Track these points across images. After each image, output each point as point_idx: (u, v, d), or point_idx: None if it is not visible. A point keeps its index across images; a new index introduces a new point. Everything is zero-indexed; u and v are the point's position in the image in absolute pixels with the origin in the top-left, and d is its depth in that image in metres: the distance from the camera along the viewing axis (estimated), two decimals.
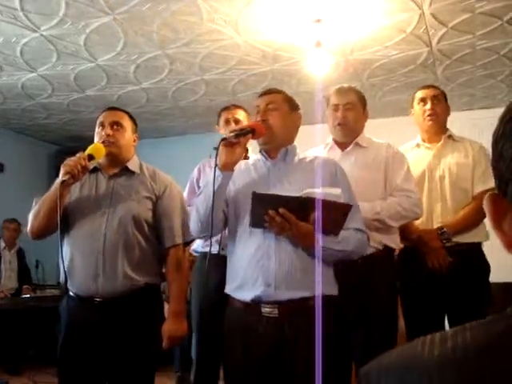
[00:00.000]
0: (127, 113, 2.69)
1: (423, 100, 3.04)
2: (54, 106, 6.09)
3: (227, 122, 3.31)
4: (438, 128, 3.03)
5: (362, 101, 2.91)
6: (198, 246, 3.30)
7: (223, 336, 2.27)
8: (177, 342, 2.55)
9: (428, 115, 3.01)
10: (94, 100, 5.86)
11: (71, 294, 2.50)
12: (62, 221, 2.40)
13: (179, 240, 2.57)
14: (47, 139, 7.45)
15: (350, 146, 2.82)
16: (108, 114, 2.63)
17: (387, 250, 2.71)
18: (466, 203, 2.86)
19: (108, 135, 2.53)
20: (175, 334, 2.50)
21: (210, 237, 2.18)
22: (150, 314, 2.51)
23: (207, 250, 3.19)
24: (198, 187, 3.39)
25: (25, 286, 6.17)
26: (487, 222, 2.85)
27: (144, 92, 5.67)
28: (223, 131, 3.33)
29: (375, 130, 6.89)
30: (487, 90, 5.62)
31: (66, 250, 2.50)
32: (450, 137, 3.02)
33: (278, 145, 2.26)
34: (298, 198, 2.03)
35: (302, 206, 2.02)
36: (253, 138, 2.21)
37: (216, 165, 2.12)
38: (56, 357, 2.52)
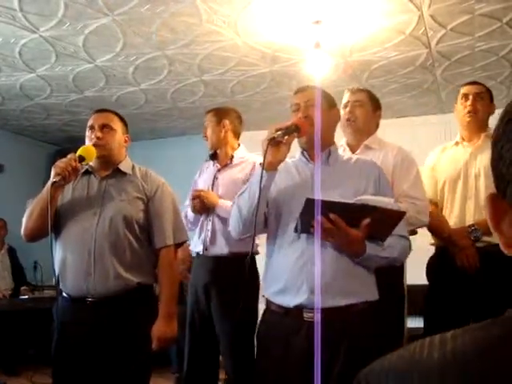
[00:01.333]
0: (117, 114, 2.70)
1: (465, 96, 2.98)
2: (52, 106, 6.08)
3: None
4: (477, 126, 2.96)
5: (374, 101, 2.90)
6: (192, 245, 3.35)
7: (257, 338, 2.23)
8: (167, 343, 2.54)
9: (467, 112, 2.95)
10: (92, 101, 5.86)
11: (64, 294, 2.52)
12: (55, 222, 2.44)
13: (170, 241, 2.58)
14: (46, 140, 7.44)
15: (360, 149, 2.81)
16: (97, 116, 2.63)
17: None
18: None
19: (98, 138, 2.54)
20: (165, 336, 2.50)
21: (253, 238, 2.11)
22: (143, 314, 2.51)
23: (197, 249, 3.26)
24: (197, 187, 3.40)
25: (23, 288, 6.16)
26: None
27: (143, 93, 5.66)
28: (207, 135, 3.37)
29: None
30: None
31: (58, 251, 2.52)
32: (490, 136, 2.95)
33: (320, 145, 2.17)
34: (351, 204, 1.98)
35: (354, 213, 1.96)
36: (298, 136, 2.12)
37: (262, 164, 2.04)
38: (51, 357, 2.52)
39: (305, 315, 2.02)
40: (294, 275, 2.05)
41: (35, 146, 7.43)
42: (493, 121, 3.04)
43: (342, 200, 2.00)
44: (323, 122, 2.15)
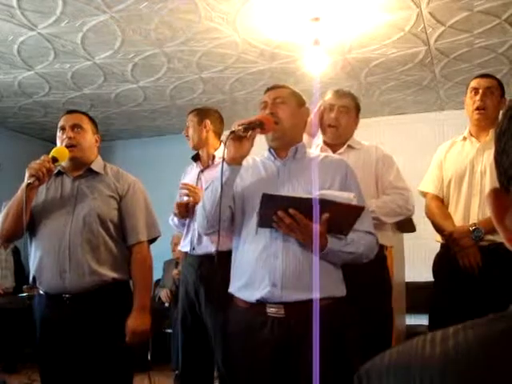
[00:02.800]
0: (86, 114, 2.74)
1: (475, 90, 2.87)
2: (51, 104, 6.07)
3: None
4: (486, 122, 2.85)
5: (357, 106, 2.91)
6: (180, 245, 3.39)
7: (226, 337, 2.24)
8: (140, 336, 2.57)
9: (476, 108, 2.85)
10: (91, 98, 5.85)
11: (41, 292, 2.58)
12: (30, 223, 2.49)
13: (143, 237, 2.64)
14: (44, 138, 7.43)
15: (343, 148, 2.84)
16: (68, 117, 2.67)
17: (379, 247, 2.71)
18: None
19: (70, 138, 2.58)
20: (137, 329, 2.54)
21: (218, 233, 2.11)
22: (119, 309, 2.56)
23: (185, 249, 3.27)
24: None
25: (25, 287, 6.16)
26: None
27: (141, 90, 5.65)
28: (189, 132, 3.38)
29: (372, 129, 6.91)
30: None
31: (34, 250, 2.58)
32: None
33: (287, 141, 2.20)
34: (308, 199, 1.98)
35: (313, 208, 1.97)
36: (261, 132, 2.13)
37: (223, 159, 2.07)
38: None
39: (268, 310, 2.04)
40: (257, 269, 2.07)
41: (33, 143, 7.41)
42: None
43: (300, 195, 2.02)
44: (291, 120, 2.19)
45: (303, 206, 1.97)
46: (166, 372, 5.04)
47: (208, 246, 3.12)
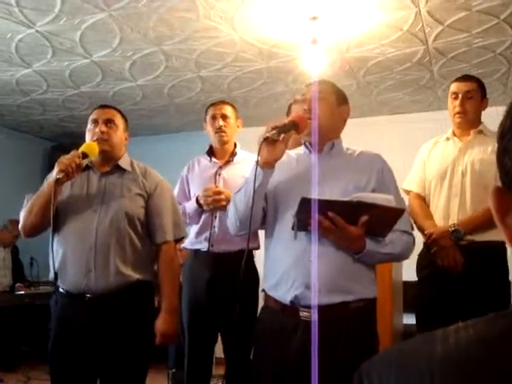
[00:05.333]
0: (119, 111, 2.72)
1: (455, 94, 2.93)
2: (49, 102, 6.06)
3: (214, 117, 3.31)
4: (467, 125, 2.92)
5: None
6: (188, 242, 3.31)
7: (255, 336, 2.21)
8: (170, 339, 2.56)
9: (456, 112, 2.91)
10: (89, 96, 5.84)
11: (61, 290, 2.51)
12: (54, 218, 2.42)
13: (170, 237, 2.60)
14: (42, 136, 7.42)
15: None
16: (101, 111, 2.64)
17: None
18: (487, 201, 2.77)
19: (102, 132, 2.55)
20: (168, 332, 2.51)
21: (248, 236, 2.07)
22: (142, 311, 2.52)
23: (197, 246, 3.23)
24: (187, 184, 3.39)
25: (17, 284, 6.16)
26: None
27: (139, 89, 5.65)
28: (210, 127, 3.33)
29: (370, 128, 6.91)
30: None
31: (58, 247, 2.51)
32: (481, 132, 2.91)
33: (322, 137, 2.14)
34: (348, 202, 1.95)
35: (352, 211, 1.94)
36: (296, 132, 2.07)
37: (257, 162, 2.01)
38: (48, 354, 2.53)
39: (301, 314, 2.01)
40: (291, 269, 2.04)
41: (31, 141, 7.41)
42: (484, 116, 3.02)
43: (339, 198, 1.98)
44: (329, 115, 2.14)
45: (341, 208, 1.93)
46: (162, 370, 5.04)
47: (229, 245, 3.07)
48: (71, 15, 3.90)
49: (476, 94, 2.93)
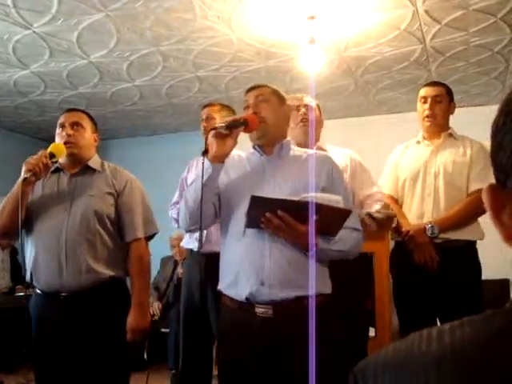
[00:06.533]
0: (87, 113, 2.75)
1: (424, 99, 3.02)
2: (46, 103, 6.06)
3: (207, 118, 3.34)
4: (437, 128, 3.01)
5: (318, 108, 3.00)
6: (184, 241, 3.35)
7: (217, 336, 2.27)
8: (140, 334, 2.58)
9: (426, 116, 2.99)
10: (86, 97, 5.84)
11: (37, 291, 2.57)
12: (26, 220, 2.47)
13: (140, 234, 2.64)
14: (40, 137, 7.41)
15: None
16: (68, 115, 2.68)
17: None
18: (460, 201, 2.84)
19: (69, 135, 2.59)
20: (137, 327, 2.55)
21: (200, 230, 2.13)
22: (116, 307, 2.56)
23: (191, 246, 3.25)
24: (187, 185, 3.40)
25: (18, 286, 6.15)
26: (482, 220, 2.86)
27: (137, 89, 5.64)
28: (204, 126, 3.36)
29: (368, 128, 6.91)
30: (481, 88, 5.63)
31: (30, 248, 2.56)
32: (451, 135, 3.00)
33: (272, 139, 2.21)
34: (297, 201, 1.99)
35: (301, 210, 1.98)
36: (245, 130, 2.14)
37: (205, 156, 2.08)
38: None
39: (257, 310, 2.05)
40: (244, 267, 2.08)
41: (29, 143, 7.40)
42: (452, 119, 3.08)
43: (289, 197, 2.03)
44: (274, 118, 2.20)
45: (291, 208, 1.98)
46: (162, 371, 5.04)
47: (217, 245, 3.09)
48: (68, 16, 3.90)
49: (444, 99, 3.01)
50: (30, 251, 2.55)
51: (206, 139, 2.13)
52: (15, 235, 2.56)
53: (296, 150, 2.30)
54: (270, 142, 2.22)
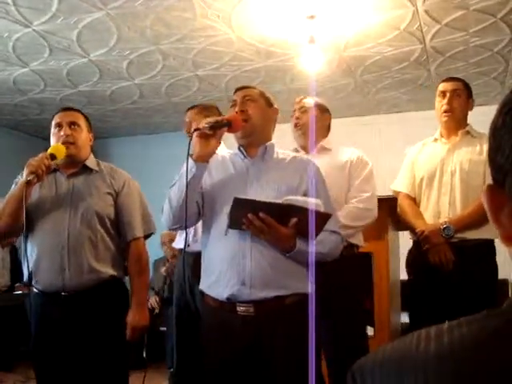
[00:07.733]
0: (82, 113, 2.75)
1: (442, 94, 2.99)
2: (46, 101, 6.05)
3: (189, 121, 3.38)
4: (454, 124, 2.97)
5: (320, 106, 2.99)
6: (175, 242, 3.37)
7: (200, 335, 2.29)
8: (140, 332, 2.60)
9: (444, 111, 2.97)
10: (86, 96, 5.83)
11: (36, 291, 2.57)
12: (25, 221, 2.45)
13: (139, 233, 2.66)
14: (40, 135, 7.39)
15: (316, 149, 2.90)
16: (64, 114, 2.67)
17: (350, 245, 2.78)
18: (476, 200, 2.75)
19: (67, 135, 2.58)
20: (137, 325, 2.57)
21: (185, 229, 2.15)
22: (116, 306, 2.58)
23: (180, 245, 3.25)
24: None
25: (17, 284, 6.15)
26: None
27: (137, 88, 5.64)
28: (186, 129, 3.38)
29: (368, 127, 6.90)
30: (481, 88, 5.62)
31: (31, 248, 2.56)
32: (468, 133, 2.96)
33: (256, 139, 2.24)
34: (279, 204, 2.03)
35: (283, 212, 2.03)
36: (229, 131, 2.16)
37: (190, 155, 2.11)
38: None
39: (238, 309, 2.08)
40: (226, 267, 2.10)
41: (30, 141, 7.39)
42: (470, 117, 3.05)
43: (271, 200, 2.06)
44: (261, 118, 2.23)
45: (273, 210, 2.02)
46: (161, 370, 5.04)
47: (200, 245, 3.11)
48: (68, 14, 3.90)
49: (463, 93, 2.99)
50: (30, 251, 2.55)
51: (189, 143, 2.15)
52: (16, 236, 2.56)
53: (280, 153, 2.32)
54: (254, 142, 2.25)
